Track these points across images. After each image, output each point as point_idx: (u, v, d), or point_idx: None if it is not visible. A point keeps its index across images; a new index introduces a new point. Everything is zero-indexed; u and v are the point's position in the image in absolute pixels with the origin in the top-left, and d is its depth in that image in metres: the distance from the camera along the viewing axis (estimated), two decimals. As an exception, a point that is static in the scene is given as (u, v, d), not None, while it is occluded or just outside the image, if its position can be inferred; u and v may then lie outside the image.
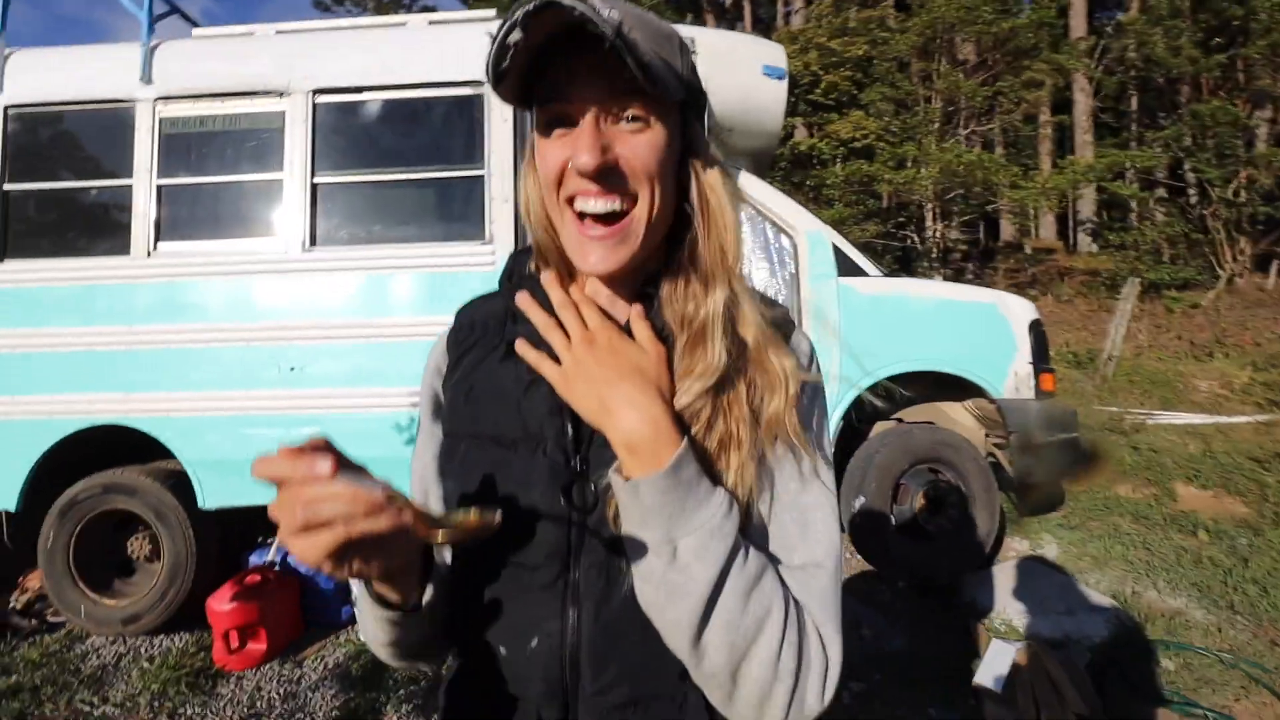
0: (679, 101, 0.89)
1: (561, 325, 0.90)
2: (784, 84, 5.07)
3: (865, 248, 17.30)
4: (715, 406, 0.89)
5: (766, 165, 5.89)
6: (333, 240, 4.59)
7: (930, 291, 4.98)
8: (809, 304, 4.69)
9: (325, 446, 0.73)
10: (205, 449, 4.48)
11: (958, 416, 5.30)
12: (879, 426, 5.19)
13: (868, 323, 4.74)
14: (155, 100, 4.67)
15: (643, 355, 0.89)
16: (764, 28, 26.39)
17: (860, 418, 4.95)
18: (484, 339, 1.03)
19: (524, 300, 0.92)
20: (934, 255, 18.46)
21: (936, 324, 4.79)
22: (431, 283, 4.49)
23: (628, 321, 0.93)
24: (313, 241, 4.54)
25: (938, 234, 18.71)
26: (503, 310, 1.02)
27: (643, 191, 0.87)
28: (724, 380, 0.89)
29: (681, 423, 0.87)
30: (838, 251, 4.80)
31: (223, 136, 4.67)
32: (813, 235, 4.82)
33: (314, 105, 4.61)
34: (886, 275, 4.94)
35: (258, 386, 4.51)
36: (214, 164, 4.65)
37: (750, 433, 0.90)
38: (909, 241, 18.90)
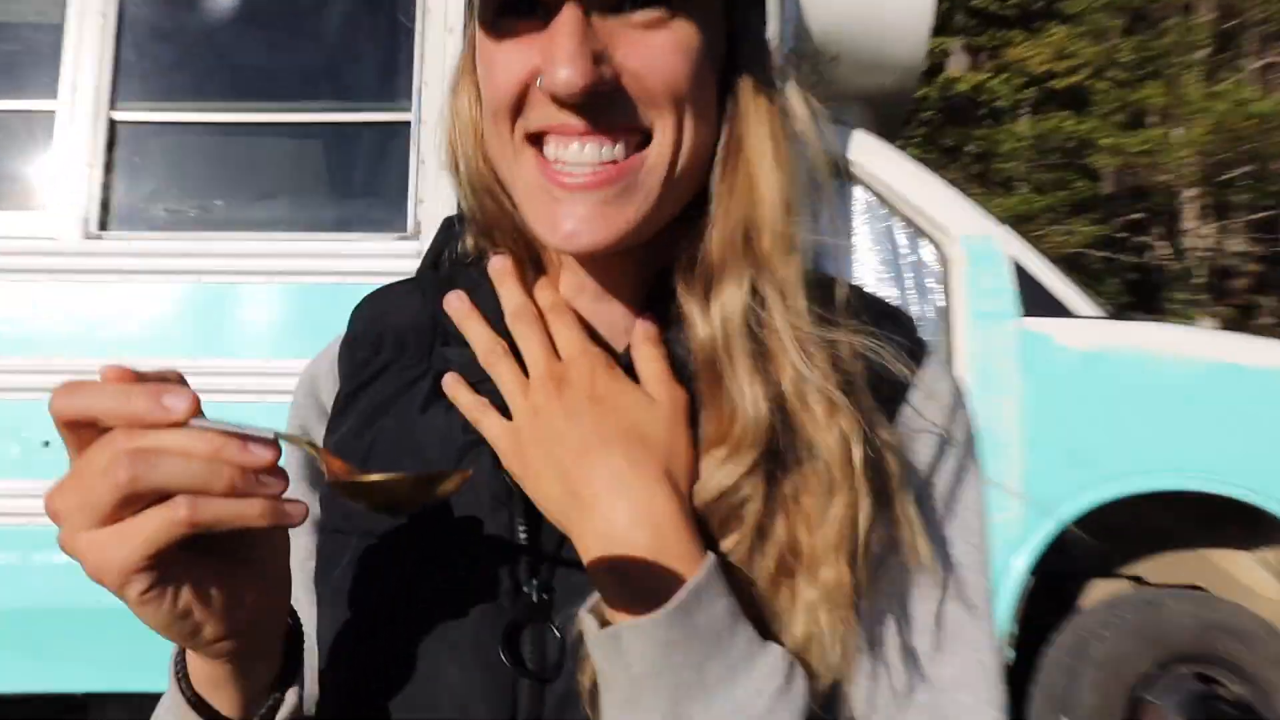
0: None
1: (516, 350, 0.75)
2: None
3: (1072, 265, 12.73)
4: (769, 498, 0.70)
5: (898, 118, 5.15)
6: (139, 222, 3.55)
7: (1194, 347, 4.02)
8: (966, 362, 3.82)
9: (179, 379, 0.55)
10: None
11: (1247, 577, 4.29)
12: (1099, 589, 4.26)
13: (1076, 400, 3.80)
14: None
15: (646, 408, 0.72)
16: None
17: (1062, 571, 4.11)
18: (397, 362, 0.82)
19: (456, 305, 0.76)
20: (1199, 279, 13.71)
21: (1207, 406, 3.84)
22: (310, 302, 3.59)
23: (628, 348, 0.76)
24: (103, 223, 3.46)
25: (1205, 242, 14.01)
26: (429, 316, 0.82)
27: (662, 123, 0.69)
28: (778, 451, 0.71)
29: (706, 527, 0.71)
30: (1021, 273, 3.87)
31: (-55, 34, 3.66)
32: (976, 244, 3.90)
33: None
34: (1111, 316, 4.23)
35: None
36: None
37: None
38: (1152, 255, 14.52)
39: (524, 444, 0.71)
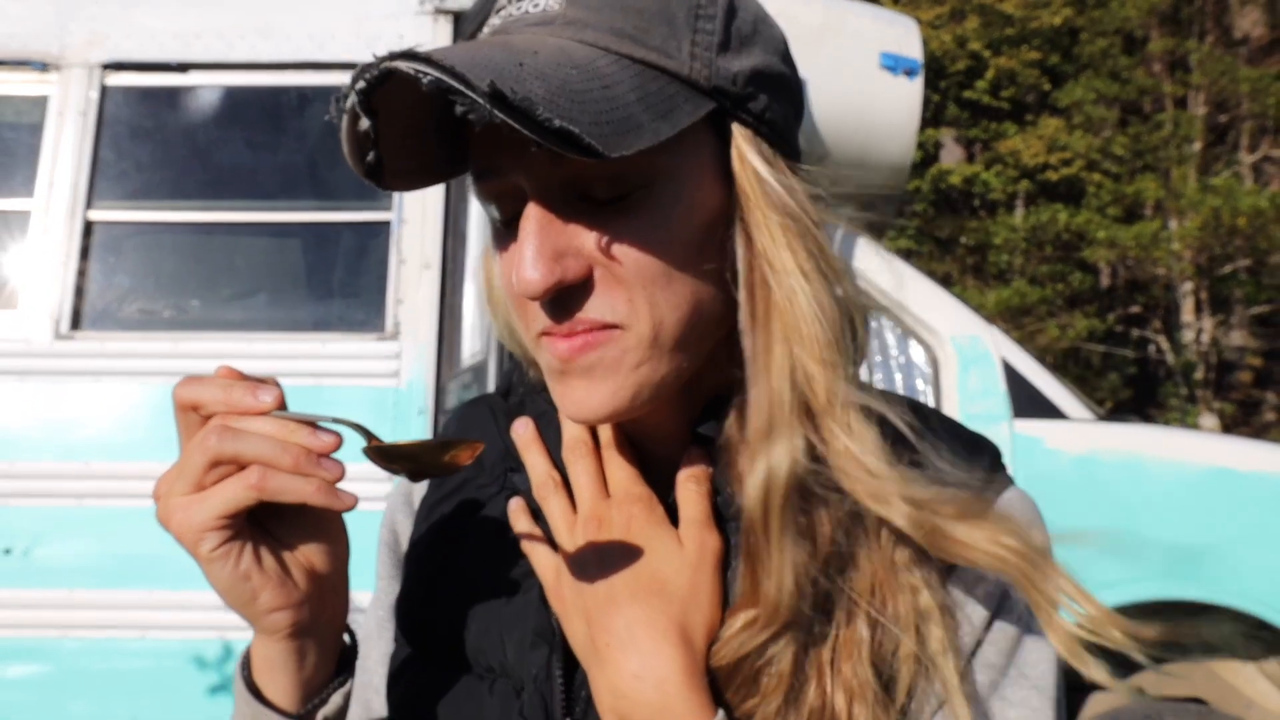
0: (708, 113, 0.65)
1: (569, 484, 0.76)
2: (917, 83, 4.14)
3: (1070, 359, 12.81)
4: (802, 661, 0.68)
5: (888, 213, 5.16)
6: (111, 322, 3.53)
7: (1187, 451, 3.91)
8: None
9: (274, 382, 0.65)
10: None
11: (1250, 689, 4.10)
12: (1098, 701, 4.01)
13: (1070, 505, 3.64)
14: None
15: (673, 556, 0.70)
16: None
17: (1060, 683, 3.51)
18: (475, 479, 0.85)
19: (520, 433, 0.78)
20: (1198, 375, 13.45)
21: (1207, 512, 3.74)
22: (288, 403, 3.13)
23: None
24: (75, 322, 3.45)
25: (1204, 337, 13.63)
26: (503, 440, 0.84)
27: (639, 303, 0.66)
28: (818, 614, 0.69)
29: (729, 683, 0.69)
30: (1011, 373, 3.80)
31: (-72, 133, 3.63)
32: (965, 343, 3.84)
33: (103, 88, 3.55)
34: (1105, 418, 4.06)
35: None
36: (-96, 181, 3.62)
37: (877, 710, 0.69)
38: (1150, 350, 14.25)
39: (562, 583, 0.72)
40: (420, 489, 0.89)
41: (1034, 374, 3.81)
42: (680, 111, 0.62)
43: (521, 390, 0.88)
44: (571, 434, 0.76)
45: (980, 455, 0.76)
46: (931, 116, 14.36)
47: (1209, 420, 13.14)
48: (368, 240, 3.56)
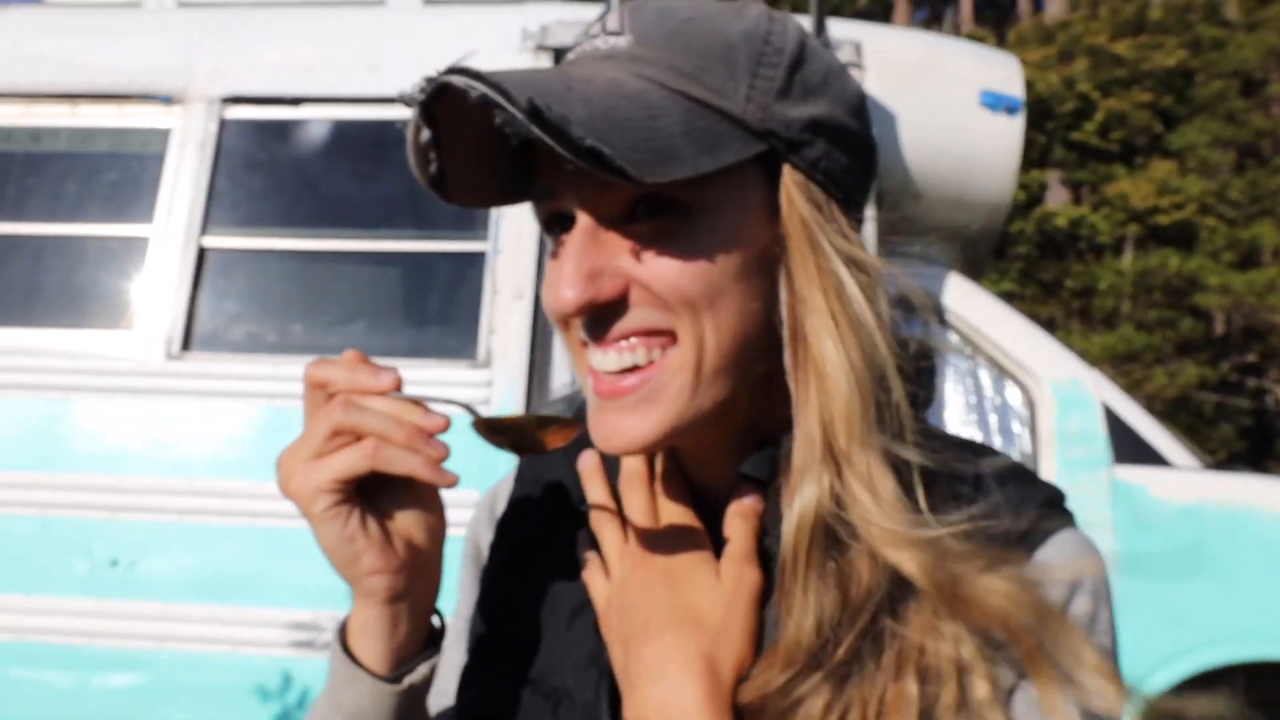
0: (758, 154, 0.67)
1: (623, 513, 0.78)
2: (1018, 121, 4.04)
3: (1181, 408, 12.35)
4: (836, 700, 0.67)
5: (986, 253, 5.07)
6: (221, 344, 3.66)
7: None
8: None
9: (394, 370, 0.69)
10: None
11: None
12: None
13: (1176, 556, 3.55)
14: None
15: (708, 590, 0.72)
16: (997, 17, 19.87)
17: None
18: (549, 505, 0.87)
19: (586, 464, 0.79)
20: None
21: None
22: None
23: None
24: (186, 344, 3.57)
25: None
26: (573, 469, 0.84)
27: (682, 325, 0.68)
28: (851, 658, 0.68)
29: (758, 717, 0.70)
30: (1113, 418, 3.75)
31: (60, 163, 3.84)
32: (1064, 387, 3.82)
33: (221, 121, 3.70)
34: (1213, 466, 4.05)
35: (47, 591, 3.44)
36: (38, 207, 3.79)
37: None
38: (1268, 401, 13.78)
39: (610, 610, 0.75)
40: (501, 506, 0.92)
41: (1137, 420, 3.74)
42: (726, 149, 0.64)
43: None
44: (629, 466, 0.78)
45: (1033, 497, 0.75)
46: (1037, 158, 14.07)
47: (1327, 475, 12.24)
48: (464, 270, 3.63)
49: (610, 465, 0.78)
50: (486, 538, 0.92)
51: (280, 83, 3.69)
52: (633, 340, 0.69)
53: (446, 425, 0.68)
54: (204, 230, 3.58)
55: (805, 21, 3.28)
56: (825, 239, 0.69)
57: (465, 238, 3.60)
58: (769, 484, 0.74)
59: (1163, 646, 3.47)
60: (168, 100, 3.68)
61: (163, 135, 3.67)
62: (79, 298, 3.69)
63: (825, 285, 0.68)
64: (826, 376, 0.68)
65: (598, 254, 0.67)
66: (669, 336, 0.69)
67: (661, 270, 0.67)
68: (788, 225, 0.69)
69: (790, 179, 0.68)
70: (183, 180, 3.61)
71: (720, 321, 0.68)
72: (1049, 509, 0.74)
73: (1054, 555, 0.73)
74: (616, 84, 0.64)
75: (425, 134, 0.66)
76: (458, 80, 0.60)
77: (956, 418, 3.86)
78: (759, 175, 0.68)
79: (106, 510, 3.41)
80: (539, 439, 0.73)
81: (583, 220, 0.68)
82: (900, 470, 0.69)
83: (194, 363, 3.50)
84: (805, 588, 0.67)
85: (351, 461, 0.67)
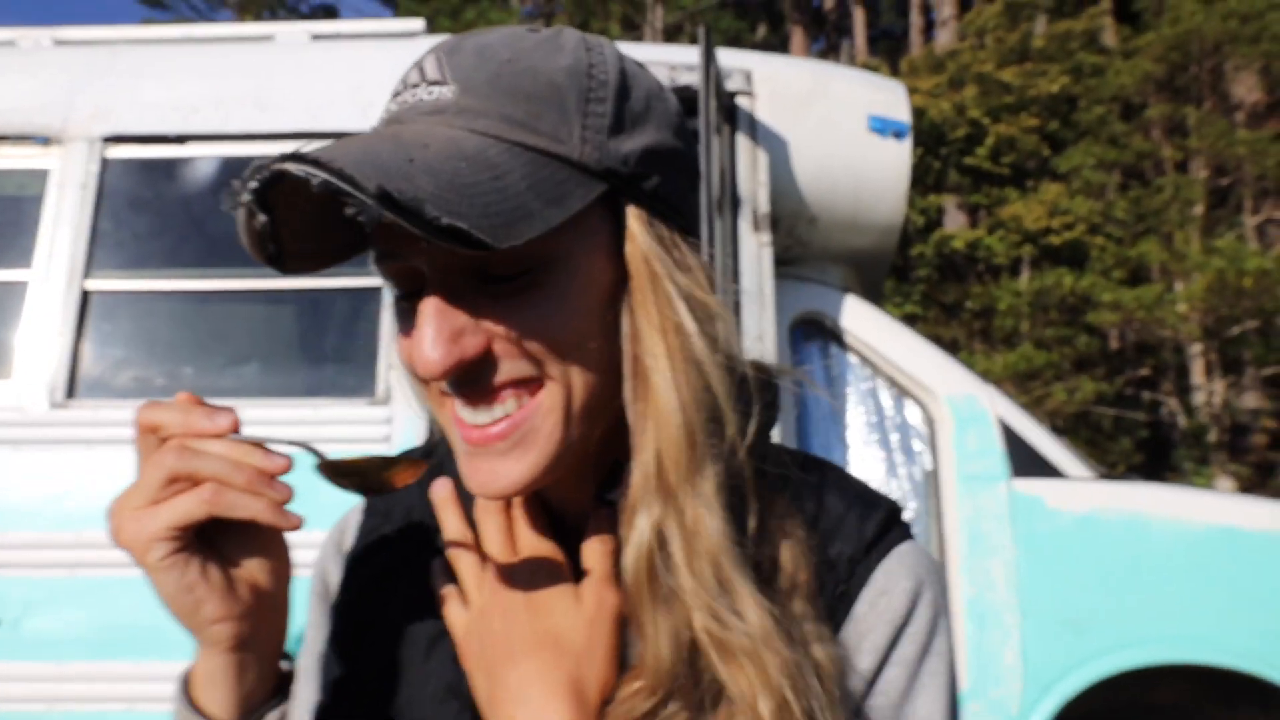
0: (603, 194, 0.68)
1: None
2: (906, 145, 4.12)
3: (1078, 426, 12.65)
4: None
5: (882, 275, 5.01)
6: (107, 390, 3.57)
7: (1190, 509, 3.81)
8: (955, 526, 3.67)
9: (230, 410, 0.68)
10: None
11: None
12: None
13: (1071, 567, 3.66)
14: None
15: (569, 613, 0.73)
16: (890, 48, 20.73)
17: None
18: (401, 535, 0.87)
19: (438, 493, 0.78)
20: (1211, 438, 13.13)
21: (1207, 572, 3.67)
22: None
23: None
24: (70, 391, 3.48)
25: (1216, 399, 13.19)
26: (427, 499, 0.84)
27: (547, 372, 0.68)
28: (696, 689, 0.69)
29: None
30: (1009, 433, 3.79)
31: (-68, 206, 3.69)
32: (962, 403, 3.84)
33: (103, 161, 3.63)
34: (1102, 476, 3.99)
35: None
36: (-92, 253, 3.65)
37: None
38: (1163, 413, 13.87)
39: (470, 639, 0.74)
40: (350, 540, 0.90)
41: (1033, 434, 3.79)
42: (571, 196, 0.64)
43: (443, 450, 0.88)
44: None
45: (873, 515, 0.77)
46: (934, 183, 14.44)
47: (1225, 483, 12.79)
48: (360, 306, 3.58)
49: (463, 492, 0.77)
50: (335, 572, 0.90)
51: (164, 121, 3.61)
52: (503, 393, 0.68)
53: (288, 466, 0.67)
54: (87, 273, 3.47)
55: (696, 53, 3.30)
56: (666, 275, 0.69)
57: (360, 273, 3.44)
58: (622, 505, 0.74)
59: (1066, 655, 3.50)
60: (45, 141, 3.58)
61: (41, 176, 3.56)
62: (-49, 345, 3.47)
63: (664, 325, 0.68)
64: (661, 412, 0.68)
65: (457, 314, 0.66)
66: (537, 382, 0.68)
67: (525, 324, 0.67)
68: (630, 263, 0.69)
69: (633, 215, 0.69)
70: (63, 222, 3.50)
71: (586, 362, 0.69)
72: (889, 523, 0.76)
73: (895, 567, 0.75)
74: (454, 145, 0.63)
75: (261, 219, 0.65)
76: (294, 168, 0.59)
77: (859, 437, 3.88)
78: (604, 213, 0.69)
79: (-10, 568, 3.22)
80: (385, 479, 0.72)
81: (437, 280, 0.67)
82: (737, 491, 0.71)
83: (79, 410, 3.39)
84: (653, 615, 0.68)
85: (188, 508, 0.65)
